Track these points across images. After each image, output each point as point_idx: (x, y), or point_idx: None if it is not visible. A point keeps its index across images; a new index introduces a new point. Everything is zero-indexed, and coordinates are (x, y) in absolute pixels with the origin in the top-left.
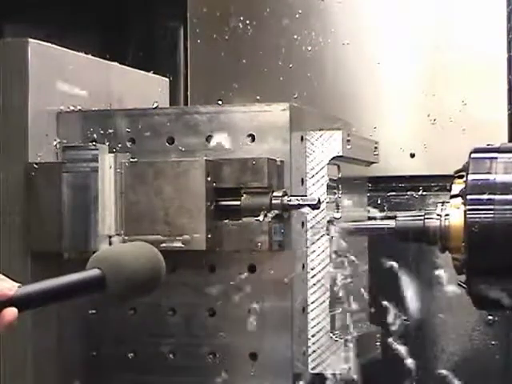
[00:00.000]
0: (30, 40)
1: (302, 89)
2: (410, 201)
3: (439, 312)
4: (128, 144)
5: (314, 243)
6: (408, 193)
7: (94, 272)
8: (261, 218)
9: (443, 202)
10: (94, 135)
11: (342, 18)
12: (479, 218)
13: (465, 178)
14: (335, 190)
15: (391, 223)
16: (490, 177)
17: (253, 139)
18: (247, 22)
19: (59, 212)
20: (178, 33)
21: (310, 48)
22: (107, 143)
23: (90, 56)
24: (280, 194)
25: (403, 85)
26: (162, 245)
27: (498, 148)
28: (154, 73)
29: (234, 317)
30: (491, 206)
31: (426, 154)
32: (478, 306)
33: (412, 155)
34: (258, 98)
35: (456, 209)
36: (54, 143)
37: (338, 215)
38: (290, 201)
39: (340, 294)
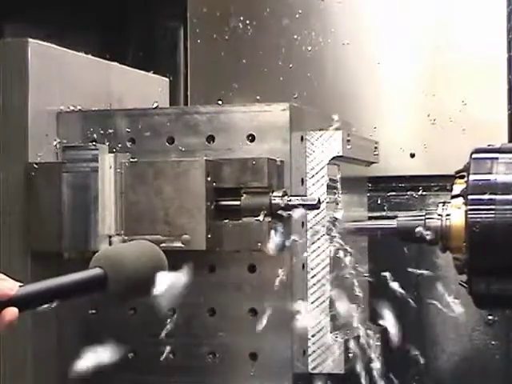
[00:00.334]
0: (30, 40)
1: (301, 89)
2: (410, 201)
3: (439, 312)
4: (128, 144)
5: (313, 243)
6: (408, 193)
7: (96, 271)
8: (261, 218)
9: (444, 202)
10: (94, 135)
11: (342, 18)
12: (480, 217)
13: (466, 178)
14: (335, 190)
15: (392, 223)
16: (491, 177)
17: (253, 139)
18: (247, 21)
19: (59, 212)
20: (178, 33)
21: (310, 48)
22: (107, 143)
23: (90, 56)
24: (280, 194)
25: (403, 85)
26: (161, 245)
27: (498, 148)
28: (154, 73)
29: (234, 317)
30: (492, 206)
31: (425, 154)
32: (478, 305)
33: (412, 155)
34: (258, 97)
35: (457, 209)
36: (54, 143)
37: (338, 215)
38: (290, 201)
39: (340, 294)
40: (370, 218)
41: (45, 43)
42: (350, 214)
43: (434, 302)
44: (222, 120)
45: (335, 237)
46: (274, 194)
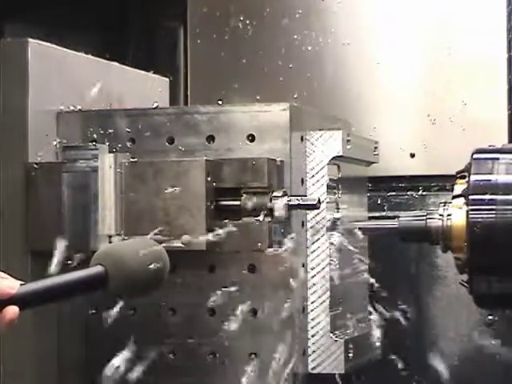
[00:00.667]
0: (30, 40)
1: (301, 89)
2: (410, 201)
3: (439, 312)
4: (128, 144)
5: (313, 243)
6: (408, 193)
7: (97, 269)
8: (261, 218)
9: (445, 202)
10: (94, 135)
11: (342, 18)
12: (481, 217)
13: (467, 179)
14: (335, 190)
15: (394, 223)
16: (492, 177)
17: (253, 139)
18: (247, 21)
19: (59, 212)
20: (178, 33)
21: (310, 48)
22: (107, 143)
23: (90, 56)
24: (280, 194)
25: (403, 85)
26: (161, 245)
27: (499, 149)
28: (154, 73)
29: (234, 317)
30: (493, 206)
31: (426, 154)
32: (479, 305)
33: (412, 155)
34: (258, 98)
35: (458, 209)
36: (54, 143)
37: (338, 215)
38: (289, 201)
39: (340, 294)
40: (370, 218)
41: (45, 43)
42: (350, 214)
43: (434, 301)
44: (222, 120)
45: (335, 237)
46: (274, 194)
